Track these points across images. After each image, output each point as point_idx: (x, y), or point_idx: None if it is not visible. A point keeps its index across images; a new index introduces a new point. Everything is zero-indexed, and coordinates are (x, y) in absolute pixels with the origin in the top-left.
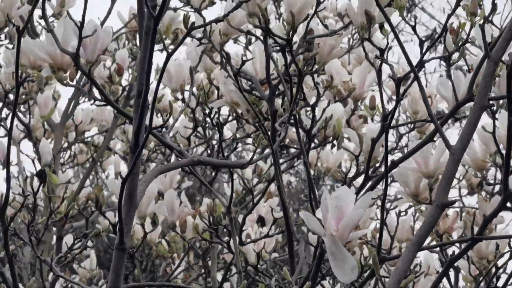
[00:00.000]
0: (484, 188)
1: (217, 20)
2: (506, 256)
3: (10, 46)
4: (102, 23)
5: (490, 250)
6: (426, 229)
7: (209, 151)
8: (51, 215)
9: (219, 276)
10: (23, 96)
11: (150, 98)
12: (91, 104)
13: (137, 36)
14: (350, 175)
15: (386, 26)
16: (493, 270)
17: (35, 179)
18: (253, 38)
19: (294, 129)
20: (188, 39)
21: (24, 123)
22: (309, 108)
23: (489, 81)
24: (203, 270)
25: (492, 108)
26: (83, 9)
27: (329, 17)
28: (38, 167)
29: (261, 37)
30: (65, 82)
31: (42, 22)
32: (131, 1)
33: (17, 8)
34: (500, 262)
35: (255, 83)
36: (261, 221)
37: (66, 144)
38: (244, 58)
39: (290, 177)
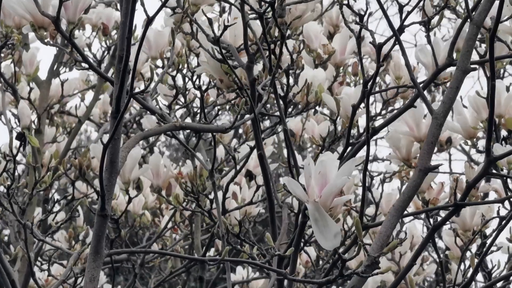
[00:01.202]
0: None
1: None
2: (494, 224)
3: None
4: None
5: (475, 222)
6: (409, 194)
7: (190, 119)
8: (36, 185)
9: None
10: (8, 52)
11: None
12: (72, 65)
13: None
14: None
15: None
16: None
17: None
18: (227, 7)
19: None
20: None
21: (9, 83)
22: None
23: (472, 45)
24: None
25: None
26: None
27: None
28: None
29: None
30: (46, 41)
31: None
32: None
33: None
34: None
35: (233, 51)
36: (249, 175)
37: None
38: (220, 26)
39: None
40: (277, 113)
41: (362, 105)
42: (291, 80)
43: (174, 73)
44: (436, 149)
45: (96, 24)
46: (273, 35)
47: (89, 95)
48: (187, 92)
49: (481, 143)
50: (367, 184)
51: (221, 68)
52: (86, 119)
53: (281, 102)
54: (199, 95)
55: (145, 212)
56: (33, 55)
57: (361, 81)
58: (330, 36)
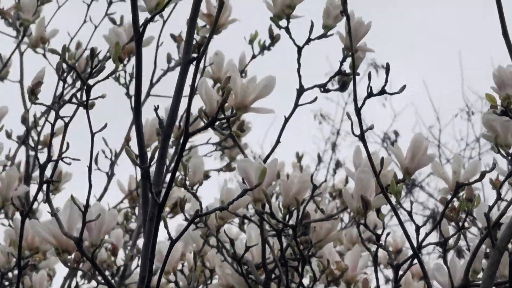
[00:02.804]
0: None
1: (221, 208)
2: None
3: (6, 222)
4: (100, 197)
5: None
6: None
7: None
8: None
9: None
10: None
11: None
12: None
13: (135, 207)
14: None
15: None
16: None
17: None
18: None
19: None
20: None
21: None
22: None
23: (494, 271)
24: None
25: None
26: (87, 193)
27: (325, 197)
28: None
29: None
30: (69, 264)
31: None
32: (129, 168)
33: (15, 189)
34: None
35: (251, 267)
36: None
37: None
38: (242, 240)
39: None
40: None
41: None
42: None
43: None
44: None
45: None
46: (296, 252)
47: None
48: None
49: None
50: None
51: (244, 282)
52: None
53: None
54: None
55: None
56: (43, 276)
57: None
58: None
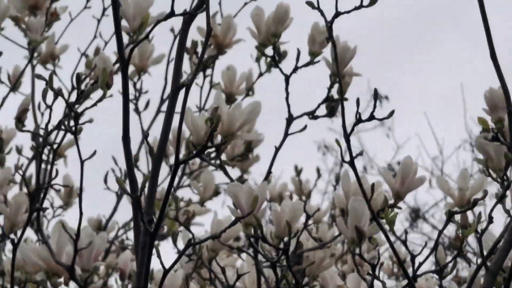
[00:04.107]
0: None
1: (214, 237)
2: None
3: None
4: (110, 217)
5: None
6: None
7: None
8: None
9: None
10: None
11: None
12: None
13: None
14: None
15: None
16: None
17: None
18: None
19: None
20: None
21: None
22: None
23: None
24: None
25: None
26: (79, 221)
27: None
28: None
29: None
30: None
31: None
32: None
33: (23, 213)
34: None
35: None
36: None
37: None
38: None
39: None
40: None
41: None
42: None
43: None
44: None
45: (111, 264)
46: (290, 281)
47: None
48: None
49: None
50: None
51: None
52: None
53: None
54: None
55: None
56: None
57: None
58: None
